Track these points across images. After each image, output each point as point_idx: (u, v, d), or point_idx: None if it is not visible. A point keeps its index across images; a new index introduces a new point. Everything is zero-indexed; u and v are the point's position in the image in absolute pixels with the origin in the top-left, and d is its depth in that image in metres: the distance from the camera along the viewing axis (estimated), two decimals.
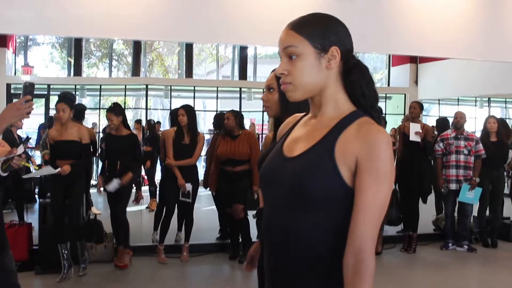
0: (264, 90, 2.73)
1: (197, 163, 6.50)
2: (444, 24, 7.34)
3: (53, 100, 5.92)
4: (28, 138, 3.04)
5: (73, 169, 5.33)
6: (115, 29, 6.41)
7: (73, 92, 15.29)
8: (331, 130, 1.52)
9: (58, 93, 15.84)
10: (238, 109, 14.41)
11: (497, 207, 7.57)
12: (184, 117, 6.07)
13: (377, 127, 1.48)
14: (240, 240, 6.39)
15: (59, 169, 5.21)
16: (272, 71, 2.65)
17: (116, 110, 5.89)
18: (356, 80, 1.55)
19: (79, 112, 6.75)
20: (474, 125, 11.83)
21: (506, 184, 8.19)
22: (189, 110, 6.18)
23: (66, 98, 5.59)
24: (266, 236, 1.62)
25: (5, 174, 3.04)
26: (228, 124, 6.16)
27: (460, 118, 7.18)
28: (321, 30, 1.53)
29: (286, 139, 1.66)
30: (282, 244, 1.53)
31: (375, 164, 1.40)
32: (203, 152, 7.71)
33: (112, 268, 5.87)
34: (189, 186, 6.03)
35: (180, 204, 6.20)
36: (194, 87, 16.04)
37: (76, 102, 9.58)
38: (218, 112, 8.48)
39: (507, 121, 13.81)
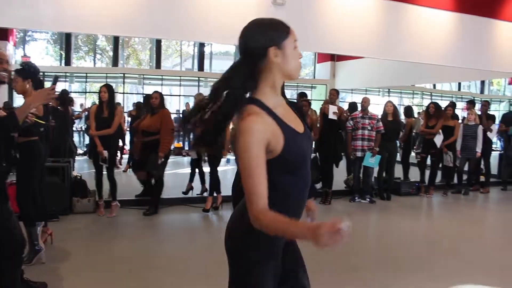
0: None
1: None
2: (354, 29, 7.45)
3: (47, 85, 5.62)
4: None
5: None
6: (99, 26, 6.19)
7: (64, 79, 14.80)
8: None
9: (51, 79, 15.21)
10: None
11: (391, 170, 7.77)
12: (106, 94, 5.68)
13: (245, 116, 1.45)
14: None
15: None
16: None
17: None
18: None
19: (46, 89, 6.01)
20: (378, 111, 12.19)
21: (398, 153, 8.44)
22: (110, 89, 5.83)
23: (20, 69, 3.87)
24: None
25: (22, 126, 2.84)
26: (154, 102, 6.04)
27: (364, 102, 7.30)
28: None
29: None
30: None
31: (236, 144, 1.44)
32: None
33: (94, 217, 5.76)
34: (106, 153, 5.65)
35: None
36: (162, 76, 15.82)
37: (64, 88, 9.06)
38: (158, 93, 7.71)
39: (401, 107, 14.21)
